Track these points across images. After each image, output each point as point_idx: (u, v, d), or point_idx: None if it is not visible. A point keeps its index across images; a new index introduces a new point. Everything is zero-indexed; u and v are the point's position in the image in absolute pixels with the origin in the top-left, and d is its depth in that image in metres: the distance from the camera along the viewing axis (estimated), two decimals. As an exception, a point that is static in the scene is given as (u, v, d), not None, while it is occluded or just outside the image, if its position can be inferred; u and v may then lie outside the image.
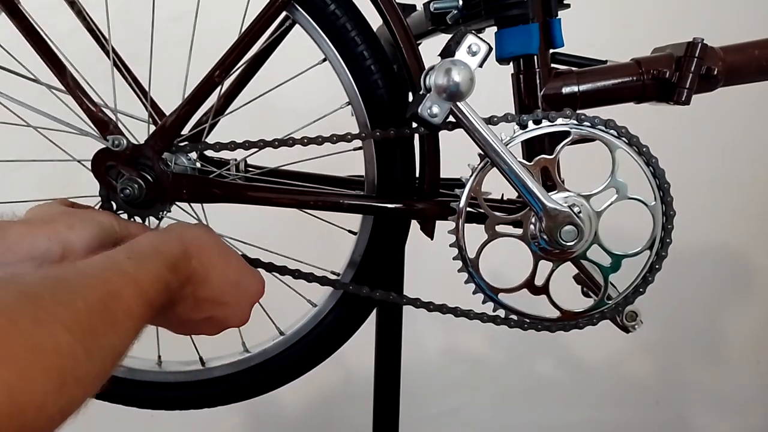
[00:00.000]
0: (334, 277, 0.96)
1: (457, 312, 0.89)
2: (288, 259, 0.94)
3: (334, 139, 0.86)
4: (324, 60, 0.91)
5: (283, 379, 1.02)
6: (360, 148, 0.93)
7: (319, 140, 0.86)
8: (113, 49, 0.95)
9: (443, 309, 0.89)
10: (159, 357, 1.03)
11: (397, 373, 1.31)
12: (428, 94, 0.79)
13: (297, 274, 0.90)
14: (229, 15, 0.91)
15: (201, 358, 1.02)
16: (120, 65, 0.98)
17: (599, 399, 2.04)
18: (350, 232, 0.98)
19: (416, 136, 0.90)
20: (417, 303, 0.90)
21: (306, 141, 0.86)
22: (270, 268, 0.89)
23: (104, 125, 0.86)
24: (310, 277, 0.90)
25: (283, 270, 0.90)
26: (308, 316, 1.00)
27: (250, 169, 1.03)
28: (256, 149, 0.88)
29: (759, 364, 2.08)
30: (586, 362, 2.02)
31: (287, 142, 0.87)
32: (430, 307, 0.89)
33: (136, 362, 1.01)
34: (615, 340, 1.87)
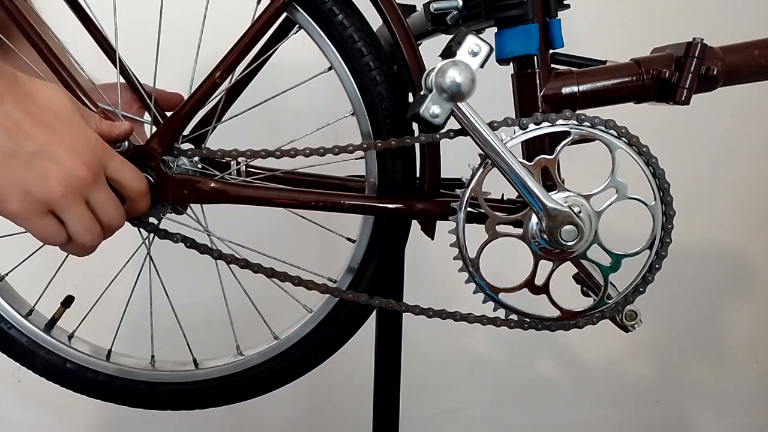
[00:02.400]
0: (332, 284, 0.96)
1: (456, 317, 0.89)
2: (286, 264, 0.94)
3: (336, 150, 0.86)
4: (330, 68, 0.92)
5: (277, 382, 1.02)
6: (362, 157, 0.94)
7: (321, 151, 0.86)
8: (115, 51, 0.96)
9: (443, 314, 0.89)
10: (153, 356, 1.03)
11: (397, 372, 1.32)
12: (429, 95, 0.79)
13: (297, 281, 0.90)
14: (237, 15, 0.91)
15: (194, 359, 1.02)
16: (123, 66, 0.98)
17: (599, 398, 2.04)
18: (349, 239, 0.99)
19: (416, 136, 0.90)
20: (416, 310, 0.90)
21: (308, 152, 0.86)
22: (270, 273, 0.90)
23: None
24: (310, 285, 0.90)
25: (283, 276, 0.90)
26: (304, 320, 1.00)
27: (251, 170, 1.03)
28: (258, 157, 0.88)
29: (758, 363, 2.08)
30: (586, 361, 2.02)
31: (289, 152, 0.87)
32: (429, 313, 0.89)
33: (130, 361, 1.01)
34: (615, 340, 1.87)
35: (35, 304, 0.99)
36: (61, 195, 0.71)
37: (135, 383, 1.00)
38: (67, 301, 0.97)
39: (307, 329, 0.99)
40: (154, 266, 0.98)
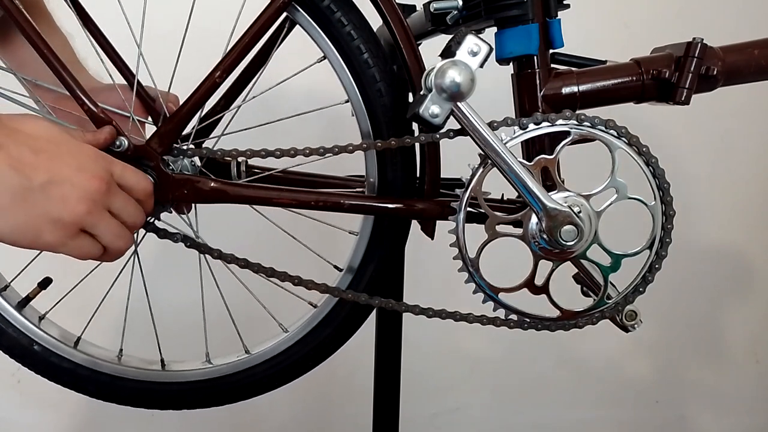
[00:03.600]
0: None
1: (456, 316, 0.89)
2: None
3: (336, 150, 0.86)
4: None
5: (242, 395, 1.02)
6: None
7: (321, 151, 0.87)
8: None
9: (442, 314, 0.89)
10: (121, 351, 1.02)
11: (397, 372, 1.32)
12: (429, 95, 0.79)
13: (297, 281, 0.90)
14: (242, 16, 0.92)
15: (162, 360, 1.02)
16: (128, 68, 0.98)
17: (599, 398, 2.04)
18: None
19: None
20: (416, 310, 0.90)
21: (308, 152, 0.86)
22: (270, 273, 0.90)
23: (105, 125, 0.86)
24: (309, 285, 0.90)
25: (283, 276, 0.90)
26: (278, 339, 1.01)
27: (253, 170, 1.04)
28: (259, 158, 0.89)
29: (758, 363, 2.08)
30: (586, 361, 2.02)
31: (289, 152, 0.87)
32: (429, 312, 0.89)
33: (97, 351, 1.01)
34: (615, 340, 1.87)
35: (11, 281, 0.98)
36: (87, 212, 0.72)
37: (99, 374, 0.99)
38: (44, 283, 0.96)
39: (280, 348, 1.00)
40: (140, 264, 0.98)
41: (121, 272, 0.98)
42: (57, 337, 0.98)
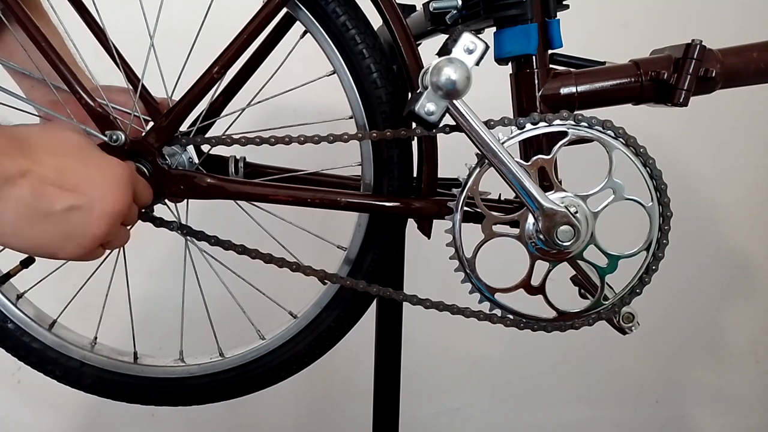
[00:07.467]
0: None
1: (453, 309, 0.89)
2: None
3: (331, 138, 0.87)
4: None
5: (210, 397, 1.02)
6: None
7: (315, 139, 0.86)
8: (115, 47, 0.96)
9: (440, 306, 0.89)
10: (95, 338, 1.03)
11: (397, 372, 1.32)
12: (425, 92, 0.79)
13: (294, 267, 0.90)
14: (239, 14, 0.92)
15: (135, 353, 1.02)
16: (127, 63, 0.98)
17: (599, 398, 2.04)
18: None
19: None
20: (414, 300, 0.89)
21: (303, 139, 0.87)
22: (268, 259, 0.89)
23: (102, 120, 0.86)
24: (308, 271, 0.90)
25: (280, 262, 0.90)
26: (252, 346, 1.01)
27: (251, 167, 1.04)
28: (253, 145, 0.89)
29: (758, 363, 2.08)
30: (586, 361, 2.02)
31: (284, 139, 0.87)
32: (426, 303, 0.89)
33: (70, 336, 1.01)
34: (615, 339, 1.87)
35: None
36: (106, 234, 0.73)
37: (67, 359, 1.00)
38: (27, 262, 0.95)
39: (251, 356, 1.00)
40: (124, 255, 0.98)
41: (103, 263, 0.98)
42: (32, 317, 0.98)
